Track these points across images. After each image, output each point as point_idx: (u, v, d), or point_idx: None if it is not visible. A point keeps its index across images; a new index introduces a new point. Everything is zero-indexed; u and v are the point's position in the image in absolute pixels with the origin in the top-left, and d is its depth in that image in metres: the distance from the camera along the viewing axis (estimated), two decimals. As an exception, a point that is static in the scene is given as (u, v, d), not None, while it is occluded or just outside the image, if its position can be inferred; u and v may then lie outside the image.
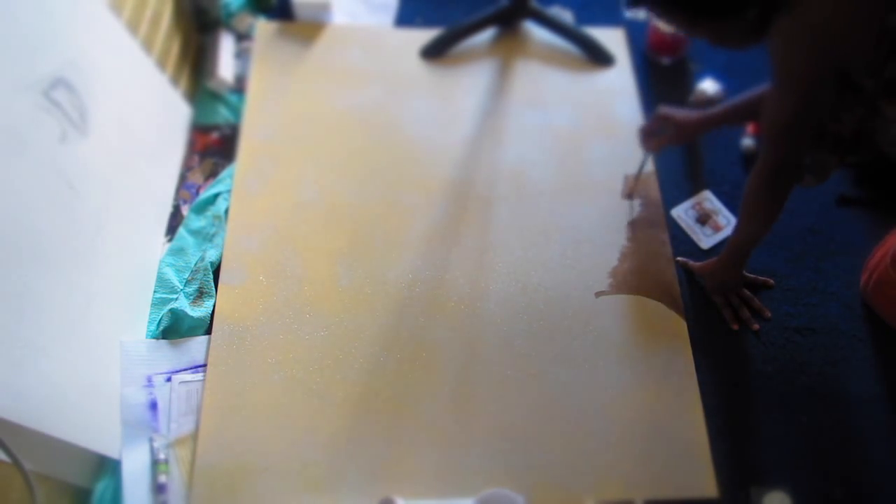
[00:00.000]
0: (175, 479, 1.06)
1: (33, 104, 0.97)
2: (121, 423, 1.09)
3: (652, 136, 1.31)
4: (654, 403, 1.15)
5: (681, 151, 1.46)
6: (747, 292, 1.25)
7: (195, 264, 1.25)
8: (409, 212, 1.35)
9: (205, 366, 1.16)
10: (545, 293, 1.26)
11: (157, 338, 1.18)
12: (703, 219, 1.36)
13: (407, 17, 1.67)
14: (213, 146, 1.45)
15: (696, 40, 1.56)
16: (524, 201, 1.38)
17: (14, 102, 0.93)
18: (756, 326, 1.22)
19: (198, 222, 1.31)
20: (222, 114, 1.50)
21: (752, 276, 1.26)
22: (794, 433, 1.13)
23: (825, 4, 0.86)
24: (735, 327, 1.22)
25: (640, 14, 1.58)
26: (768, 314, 1.23)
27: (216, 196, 1.34)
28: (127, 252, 1.19)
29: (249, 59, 1.56)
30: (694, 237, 1.34)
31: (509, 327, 1.22)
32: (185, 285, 1.23)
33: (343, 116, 1.48)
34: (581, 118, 1.51)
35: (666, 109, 1.29)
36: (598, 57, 1.59)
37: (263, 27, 1.61)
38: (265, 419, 1.12)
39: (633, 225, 1.34)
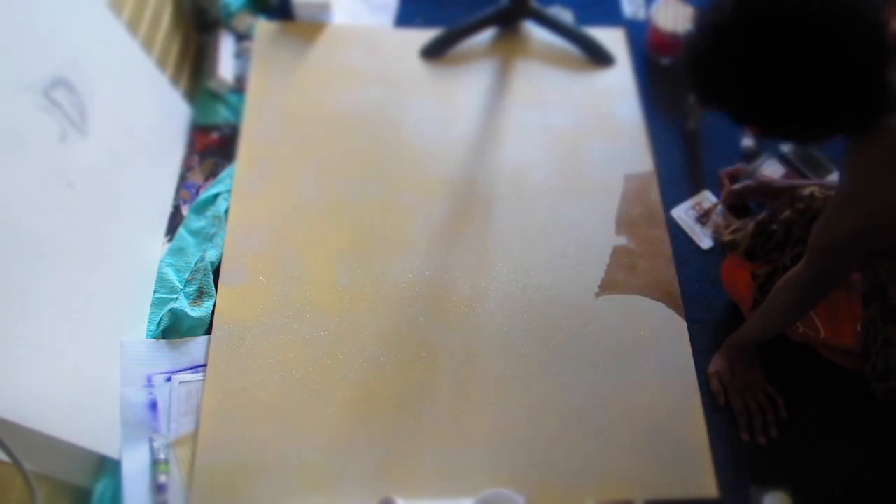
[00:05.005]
0: (175, 479, 1.06)
1: (33, 104, 0.97)
2: (121, 423, 1.09)
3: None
4: (654, 403, 1.15)
5: (681, 151, 1.46)
6: (766, 399, 1.14)
7: (195, 264, 1.25)
8: (409, 212, 1.35)
9: (205, 366, 1.16)
10: (545, 293, 1.26)
11: (157, 338, 1.18)
12: (704, 219, 1.36)
13: (407, 17, 1.67)
14: (213, 146, 1.45)
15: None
16: (524, 201, 1.38)
17: (14, 102, 0.93)
18: (764, 440, 1.12)
19: (198, 222, 1.31)
20: (222, 114, 1.50)
21: (771, 387, 1.16)
22: (794, 433, 1.13)
23: None
24: (745, 437, 1.12)
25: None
26: (775, 432, 1.13)
27: (216, 196, 1.34)
28: (127, 252, 1.19)
29: (249, 59, 1.56)
30: (694, 237, 1.34)
31: (509, 327, 1.22)
32: (185, 285, 1.23)
33: (343, 116, 1.48)
34: (581, 118, 1.51)
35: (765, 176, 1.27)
36: (598, 57, 1.59)
37: (263, 27, 1.61)
38: (265, 419, 1.12)
39: (634, 225, 1.34)
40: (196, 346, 1.18)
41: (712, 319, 1.25)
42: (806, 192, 1.11)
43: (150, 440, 1.08)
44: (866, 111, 0.81)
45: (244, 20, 1.61)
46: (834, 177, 1.37)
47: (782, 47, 0.75)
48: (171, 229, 1.32)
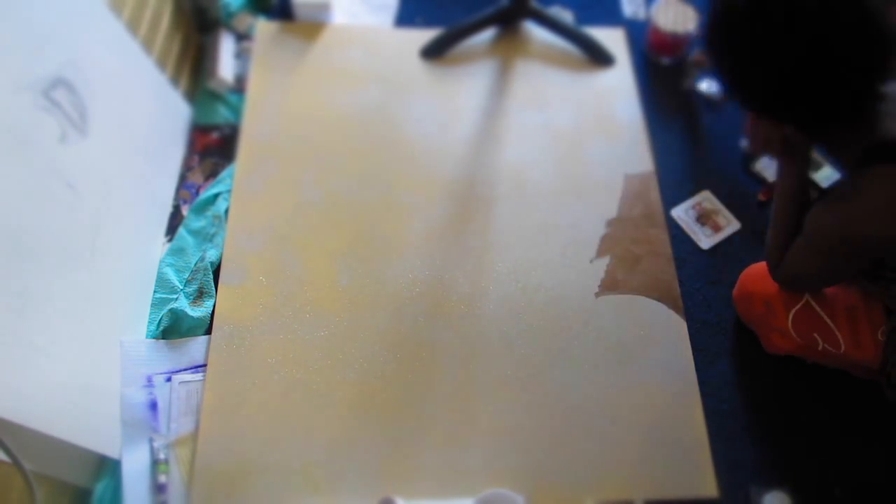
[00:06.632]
0: (175, 479, 1.06)
1: (33, 104, 0.96)
2: (121, 423, 1.09)
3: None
4: (654, 403, 1.15)
5: (681, 151, 1.46)
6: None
7: (195, 264, 1.25)
8: (409, 212, 1.35)
9: (205, 366, 1.16)
10: (545, 293, 1.26)
11: (157, 338, 1.18)
12: (703, 219, 1.36)
13: (407, 17, 1.67)
14: (213, 146, 1.45)
15: (696, 42, 1.56)
16: (524, 201, 1.38)
17: (14, 102, 0.93)
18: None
19: (198, 222, 1.31)
20: (222, 114, 1.49)
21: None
22: (793, 433, 1.13)
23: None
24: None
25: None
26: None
27: (216, 196, 1.34)
28: (127, 252, 1.19)
29: (249, 59, 1.56)
30: (694, 237, 1.34)
31: (509, 327, 1.22)
32: (185, 285, 1.23)
33: (343, 116, 1.48)
34: (581, 118, 1.51)
35: None
36: (598, 57, 1.59)
37: (263, 27, 1.61)
38: (265, 419, 1.12)
39: (634, 225, 1.34)
40: (196, 346, 1.18)
41: (712, 319, 1.25)
42: None
43: (150, 440, 1.08)
44: (857, 110, 0.88)
45: (244, 20, 1.61)
46: (825, 172, 1.38)
47: (828, 21, 0.81)
48: (171, 229, 1.32)
